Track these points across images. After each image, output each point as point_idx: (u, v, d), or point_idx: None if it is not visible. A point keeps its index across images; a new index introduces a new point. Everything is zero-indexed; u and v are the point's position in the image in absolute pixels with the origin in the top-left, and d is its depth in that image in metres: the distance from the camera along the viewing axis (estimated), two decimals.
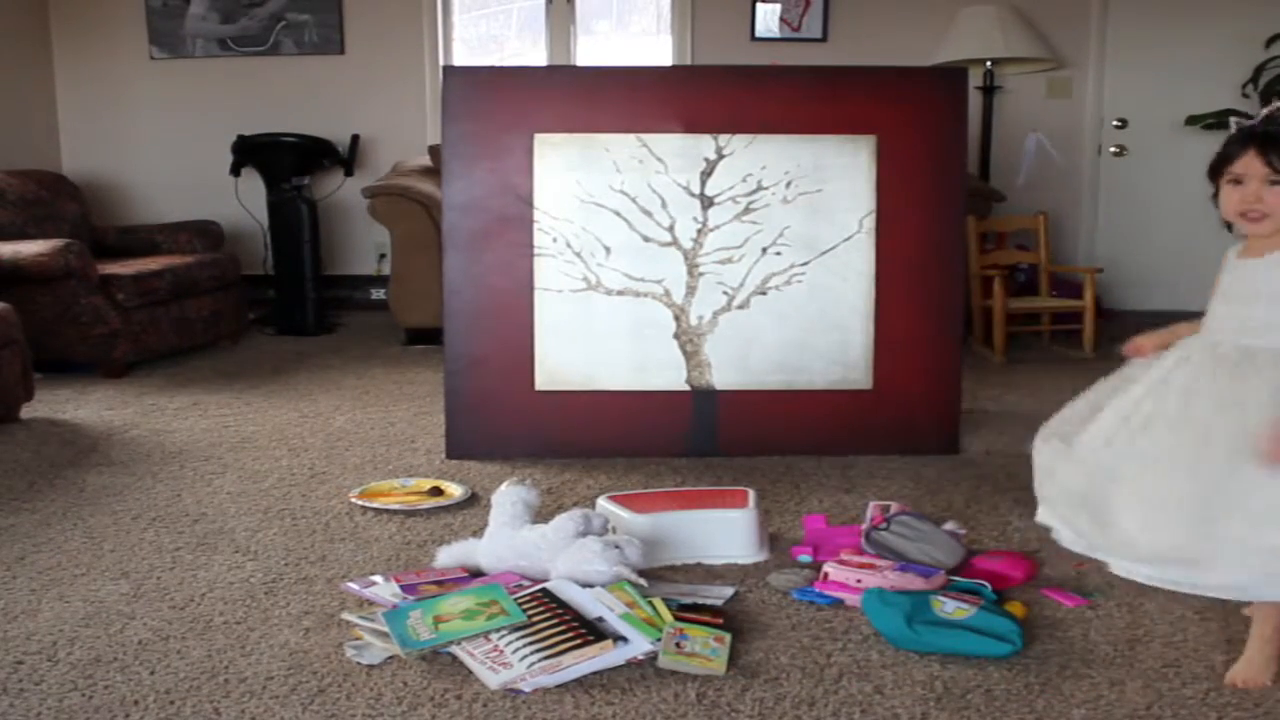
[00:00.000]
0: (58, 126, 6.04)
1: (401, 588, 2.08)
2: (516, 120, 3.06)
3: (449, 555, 2.25)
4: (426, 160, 5.35)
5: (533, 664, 1.77)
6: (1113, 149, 5.97)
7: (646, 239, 3.09)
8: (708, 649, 1.82)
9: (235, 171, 5.53)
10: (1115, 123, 5.94)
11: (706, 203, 3.09)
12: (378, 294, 5.99)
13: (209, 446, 3.23)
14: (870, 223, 3.10)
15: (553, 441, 3.10)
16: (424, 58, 5.96)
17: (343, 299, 5.99)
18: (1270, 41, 5.47)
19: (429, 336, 4.83)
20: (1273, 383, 1.68)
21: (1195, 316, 1.86)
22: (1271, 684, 1.75)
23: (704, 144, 3.07)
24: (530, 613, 1.91)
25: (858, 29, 5.87)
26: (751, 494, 2.40)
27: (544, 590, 2.00)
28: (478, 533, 2.32)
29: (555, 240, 3.08)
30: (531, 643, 1.82)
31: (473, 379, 3.09)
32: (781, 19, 5.90)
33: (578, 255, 3.08)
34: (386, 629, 1.87)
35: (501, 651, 1.81)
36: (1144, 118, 5.89)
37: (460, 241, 3.08)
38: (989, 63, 5.43)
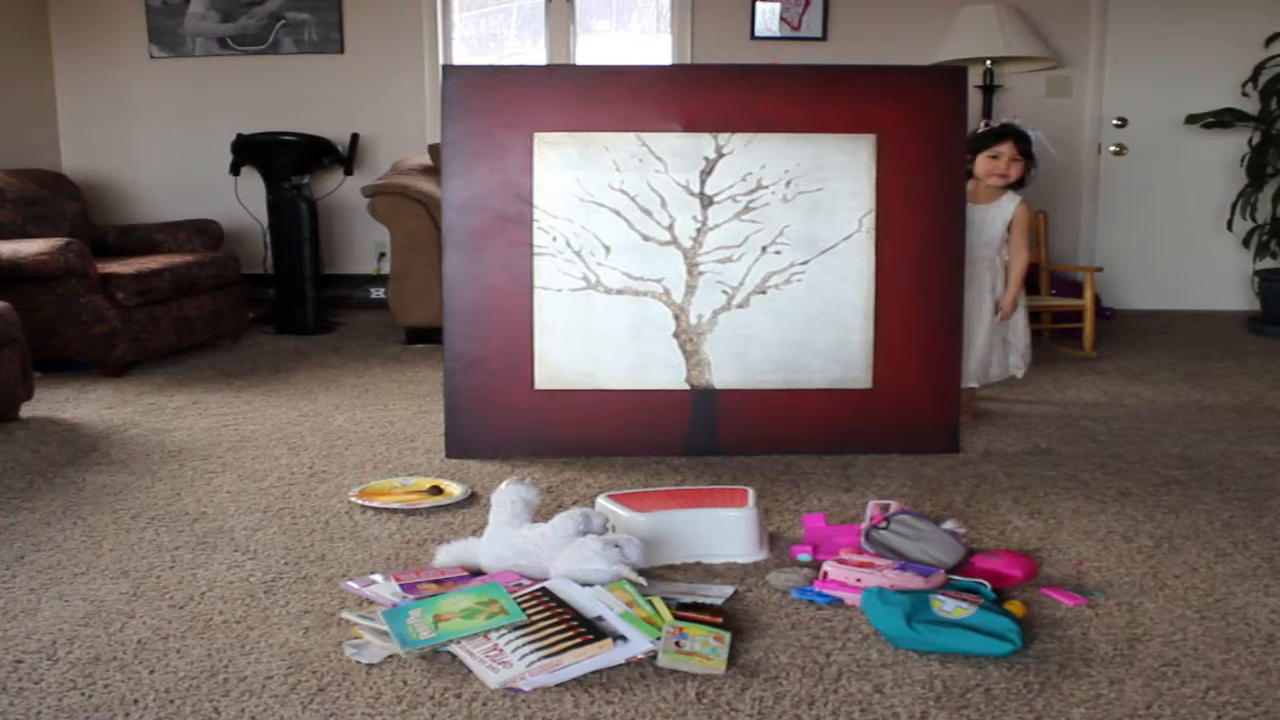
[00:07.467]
0: (57, 125, 6.04)
1: (401, 586, 2.08)
2: (516, 119, 3.06)
3: (448, 554, 2.25)
4: (426, 159, 5.35)
5: (532, 663, 1.77)
6: (1112, 148, 5.97)
7: (646, 238, 3.09)
8: (707, 648, 1.82)
9: (235, 170, 5.53)
10: (1115, 122, 5.94)
11: (706, 202, 3.09)
12: (377, 293, 5.99)
13: (208, 445, 3.23)
14: (870, 222, 3.10)
15: (552, 440, 3.10)
16: (423, 56, 5.96)
17: (342, 298, 6.00)
18: (1270, 41, 5.47)
19: (428, 335, 4.84)
20: (998, 278, 3.45)
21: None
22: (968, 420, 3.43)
23: (704, 143, 3.07)
24: (530, 612, 1.91)
25: (857, 28, 5.88)
26: (751, 493, 2.40)
27: (543, 589, 2.00)
28: (477, 532, 2.32)
29: (555, 239, 3.08)
30: (531, 642, 1.82)
31: (472, 378, 3.09)
32: (781, 18, 5.90)
33: (577, 254, 3.08)
34: (386, 628, 1.87)
35: (501, 650, 1.81)
36: (1144, 117, 5.89)
37: (460, 240, 3.08)
38: (989, 62, 5.43)
